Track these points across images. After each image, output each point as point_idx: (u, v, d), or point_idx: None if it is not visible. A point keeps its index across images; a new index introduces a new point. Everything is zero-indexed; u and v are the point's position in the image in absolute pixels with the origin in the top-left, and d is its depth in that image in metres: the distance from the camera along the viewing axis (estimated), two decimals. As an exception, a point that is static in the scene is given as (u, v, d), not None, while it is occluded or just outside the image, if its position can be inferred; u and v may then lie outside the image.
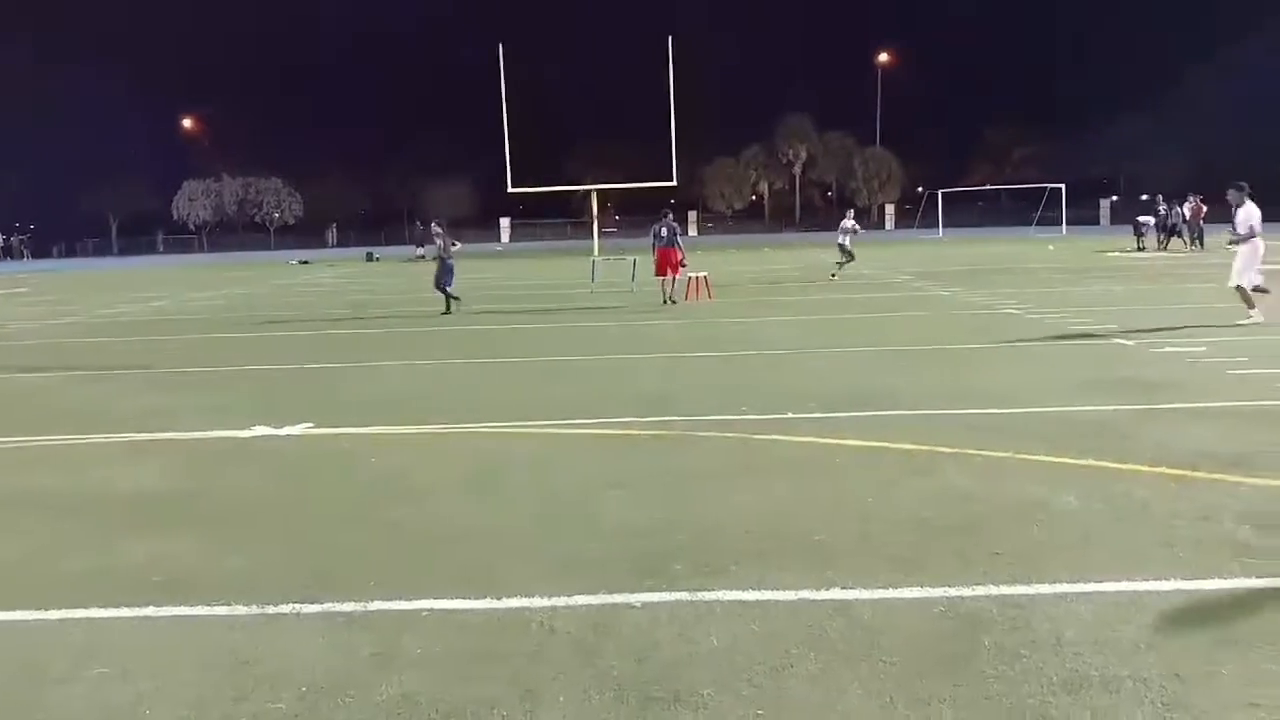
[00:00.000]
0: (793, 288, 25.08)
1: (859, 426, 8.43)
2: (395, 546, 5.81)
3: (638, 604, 4.75)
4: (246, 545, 5.88)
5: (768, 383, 11.01)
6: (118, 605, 5.00)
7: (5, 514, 6.79)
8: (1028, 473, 6.80)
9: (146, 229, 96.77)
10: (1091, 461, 7.01)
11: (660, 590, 4.91)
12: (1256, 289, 14.54)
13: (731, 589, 4.89)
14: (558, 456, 7.95)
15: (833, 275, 26.52)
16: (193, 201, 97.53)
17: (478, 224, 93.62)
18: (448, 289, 20.23)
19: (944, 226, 67.38)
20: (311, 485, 7.35)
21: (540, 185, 27.96)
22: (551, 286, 28.70)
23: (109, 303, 28.00)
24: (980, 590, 4.78)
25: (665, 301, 20.80)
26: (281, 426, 9.19)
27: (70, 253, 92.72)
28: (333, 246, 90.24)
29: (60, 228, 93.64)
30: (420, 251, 49.12)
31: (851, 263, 26.86)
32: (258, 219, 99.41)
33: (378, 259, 55.96)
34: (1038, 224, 62.36)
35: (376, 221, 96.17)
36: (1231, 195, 14.94)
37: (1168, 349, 12.22)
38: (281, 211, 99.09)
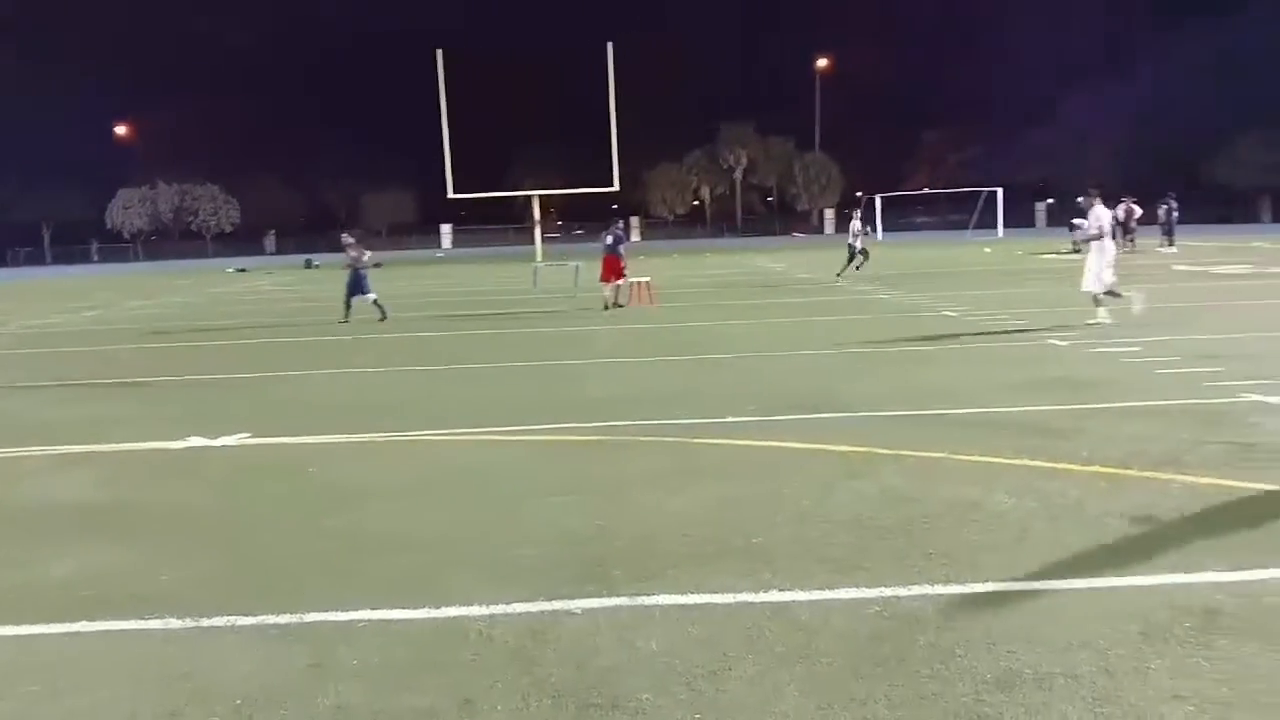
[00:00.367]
0: (734, 293, 25.21)
1: (797, 429, 8.51)
2: (332, 556, 5.75)
3: (577, 610, 4.76)
4: (180, 558, 5.79)
5: (708, 387, 11.07)
6: (47, 621, 4.91)
7: (-72, 530, 6.62)
8: (963, 473, 6.90)
9: (80, 238, 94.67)
10: (1026, 461, 7.13)
11: (599, 596, 4.92)
12: (1109, 292, 14.98)
13: (670, 593, 4.91)
14: (497, 463, 7.92)
15: (838, 274, 27.74)
16: (127, 209, 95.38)
17: (419, 230, 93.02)
18: (363, 298, 20.13)
19: (883, 230, 68.11)
20: (247, 496, 7.25)
21: (481, 190, 27.74)
22: (493, 293, 28.59)
23: (41, 313, 27.36)
24: (916, 590, 4.85)
25: (606, 307, 20.84)
26: (217, 437, 9.05)
27: (1, 263, 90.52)
28: (271, 254, 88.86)
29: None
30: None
31: (866, 261, 28.50)
32: (194, 227, 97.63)
33: (317, 266, 55.16)
34: (974, 227, 63.24)
35: (315, 228, 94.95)
36: (1081, 200, 15.44)
37: (1101, 349, 12.46)
38: (218, 219, 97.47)
